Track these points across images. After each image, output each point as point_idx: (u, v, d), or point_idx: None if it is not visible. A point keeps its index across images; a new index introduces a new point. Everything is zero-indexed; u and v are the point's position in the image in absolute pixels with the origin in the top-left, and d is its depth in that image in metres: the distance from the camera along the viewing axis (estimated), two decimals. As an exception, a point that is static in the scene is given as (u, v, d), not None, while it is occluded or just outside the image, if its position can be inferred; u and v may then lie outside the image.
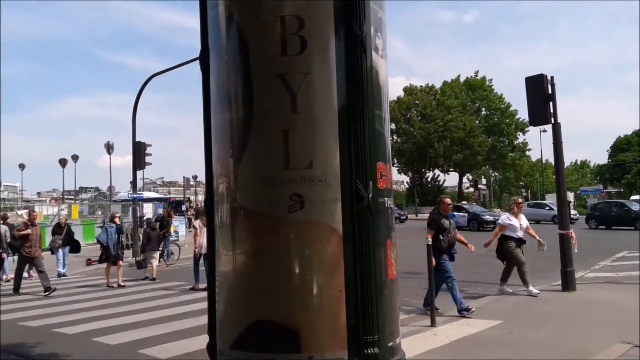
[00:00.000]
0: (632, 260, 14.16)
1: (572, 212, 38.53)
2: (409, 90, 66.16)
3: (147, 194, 50.31)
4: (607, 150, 78.20)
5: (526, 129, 62.30)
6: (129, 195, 26.86)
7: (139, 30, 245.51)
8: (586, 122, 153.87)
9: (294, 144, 2.56)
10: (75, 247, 16.63)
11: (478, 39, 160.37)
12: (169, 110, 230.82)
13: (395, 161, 62.79)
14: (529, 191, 78.13)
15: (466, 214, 32.59)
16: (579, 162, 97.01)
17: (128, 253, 18.84)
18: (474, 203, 47.70)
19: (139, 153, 21.30)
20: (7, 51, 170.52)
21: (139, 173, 25.76)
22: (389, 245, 2.79)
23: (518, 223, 9.90)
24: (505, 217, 10.12)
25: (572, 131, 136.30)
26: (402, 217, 43.74)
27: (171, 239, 19.32)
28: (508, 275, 9.89)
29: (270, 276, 2.56)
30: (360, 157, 2.55)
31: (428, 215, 9.36)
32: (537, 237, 10.02)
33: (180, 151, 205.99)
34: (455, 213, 31.08)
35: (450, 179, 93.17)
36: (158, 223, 19.63)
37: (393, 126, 61.88)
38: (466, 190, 72.56)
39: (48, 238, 17.33)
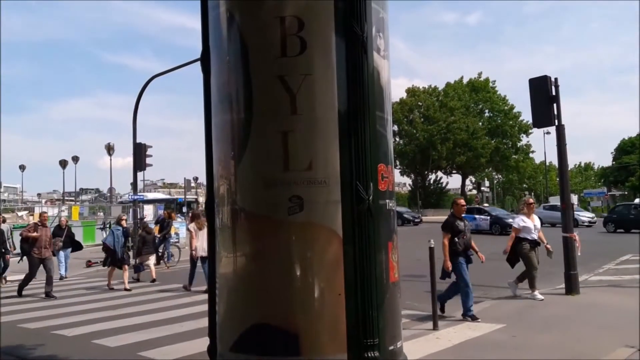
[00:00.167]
0: (636, 263, 14.09)
1: (589, 215, 38.14)
2: (411, 92, 66.12)
3: (153, 195, 50.28)
4: (612, 153, 78.21)
5: (530, 131, 62.28)
6: (130, 197, 26.86)
7: (139, 30, 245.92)
8: (590, 125, 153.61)
9: (294, 146, 2.54)
10: (76, 246, 16.58)
11: (481, 40, 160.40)
12: (169, 111, 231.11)
13: (398, 163, 62.76)
14: (533, 193, 77.93)
15: (488, 217, 30.92)
16: (582, 165, 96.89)
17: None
18: (486, 205, 46.71)
19: (140, 154, 21.31)
20: (7, 52, 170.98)
21: (140, 174, 25.78)
22: (390, 247, 2.76)
23: (532, 224, 9.78)
24: (519, 220, 9.92)
25: (576, 133, 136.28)
26: (416, 220, 42.76)
27: (172, 241, 19.27)
28: (524, 277, 9.70)
29: (270, 278, 2.54)
30: (360, 158, 2.53)
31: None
32: (546, 244, 9.88)
33: (181, 152, 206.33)
34: (476, 216, 30.40)
35: (453, 181, 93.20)
36: (158, 225, 19.65)
37: (395, 128, 61.86)
38: (469, 193, 72.46)
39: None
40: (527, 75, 14.10)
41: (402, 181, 76.17)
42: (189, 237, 13.26)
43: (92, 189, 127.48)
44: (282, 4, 2.60)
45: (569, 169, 12.27)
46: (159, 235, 18.75)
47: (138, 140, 21.39)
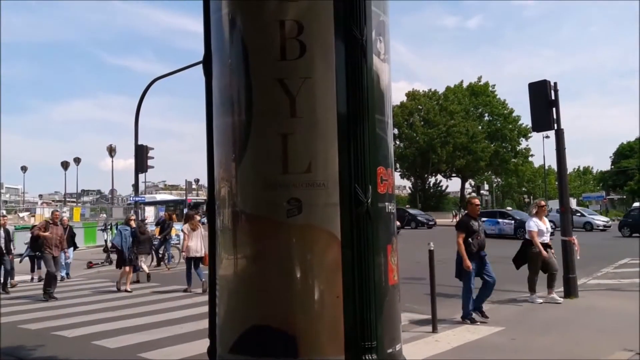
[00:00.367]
0: (634, 267, 14.09)
1: (604, 219, 37.59)
2: (411, 95, 66.15)
3: (162, 196, 50.18)
4: (610, 157, 78.20)
5: (529, 134, 62.27)
6: (132, 198, 26.85)
7: (141, 32, 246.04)
8: (589, 129, 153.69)
9: (293, 148, 2.55)
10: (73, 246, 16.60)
11: (482, 44, 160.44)
12: (171, 113, 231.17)
13: (398, 166, 62.75)
14: (532, 197, 77.95)
15: (512, 221, 28.78)
16: (581, 169, 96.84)
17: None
18: (509, 208, 45.60)
19: (141, 156, 21.32)
20: (9, 52, 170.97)
21: (141, 176, 25.78)
22: (390, 250, 2.77)
23: (544, 227, 9.74)
24: (533, 224, 9.74)
25: (575, 137, 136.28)
26: (430, 223, 41.57)
27: (172, 242, 19.27)
28: (552, 282, 9.59)
29: (269, 280, 2.55)
30: (359, 161, 2.54)
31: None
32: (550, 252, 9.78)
33: (182, 155, 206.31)
34: (499, 220, 29.37)
35: (453, 185, 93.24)
36: (159, 227, 19.65)
37: (396, 131, 61.82)
38: (468, 196, 72.43)
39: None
40: (526, 79, 14.20)
41: (402, 184, 76.10)
42: (182, 238, 13.24)
43: (94, 191, 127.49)
44: (282, 7, 2.61)
45: (568, 172, 12.30)
46: (159, 237, 18.77)
47: (140, 142, 21.42)
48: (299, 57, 2.58)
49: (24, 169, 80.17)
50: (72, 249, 16.16)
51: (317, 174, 2.53)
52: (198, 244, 12.53)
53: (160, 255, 18.19)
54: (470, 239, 8.16)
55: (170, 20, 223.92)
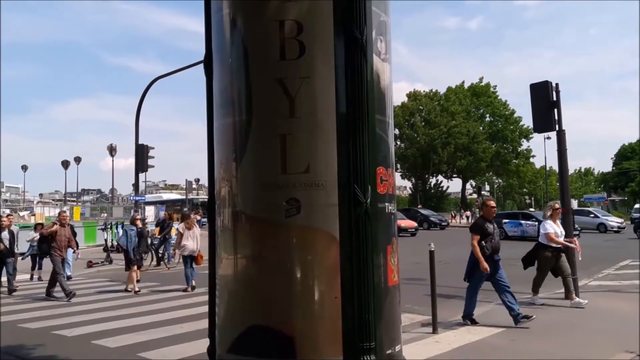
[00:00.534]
0: (635, 269, 14.08)
1: (619, 220, 36.60)
2: (413, 96, 66.18)
3: (168, 195, 50.24)
4: (612, 158, 78.20)
5: (530, 135, 62.27)
6: (132, 198, 26.85)
7: (142, 33, 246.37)
8: (591, 130, 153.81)
9: (292, 149, 2.54)
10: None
11: (483, 45, 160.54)
12: (172, 113, 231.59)
13: (399, 166, 62.75)
14: (533, 198, 77.99)
15: (536, 223, 26.45)
16: (583, 170, 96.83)
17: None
18: (532, 209, 44.86)
19: (142, 156, 21.37)
20: (11, 52, 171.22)
21: (141, 176, 25.80)
22: (389, 251, 2.76)
23: (558, 230, 9.63)
24: (549, 226, 9.60)
25: (576, 139, 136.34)
26: (443, 223, 41.03)
27: (172, 242, 19.26)
28: (569, 286, 9.44)
29: (268, 281, 2.55)
30: (359, 161, 2.52)
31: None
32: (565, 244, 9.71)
33: (183, 154, 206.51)
34: (522, 222, 28.58)
35: (454, 185, 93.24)
36: (159, 227, 19.65)
37: (397, 132, 61.87)
38: (469, 197, 72.46)
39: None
40: (527, 80, 14.21)
41: (402, 184, 76.11)
42: (177, 237, 13.23)
43: (94, 190, 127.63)
44: (282, 7, 2.60)
45: (569, 174, 12.29)
46: (159, 236, 18.77)
47: (140, 142, 21.44)
48: (299, 57, 2.56)
49: (24, 168, 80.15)
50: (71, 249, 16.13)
51: (316, 174, 2.52)
52: (192, 244, 12.61)
53: (160, 255, 18.19)
54: (484, 242, 8.00)
55: (172, 21, 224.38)
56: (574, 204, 41.46)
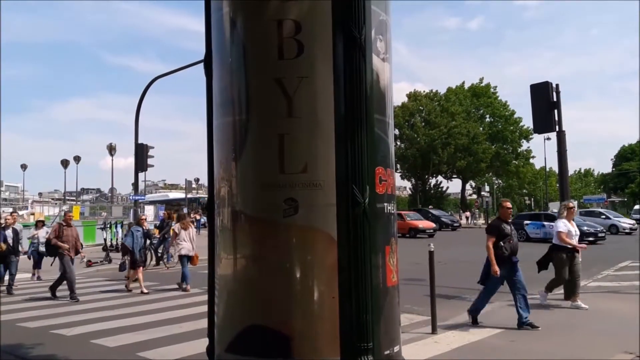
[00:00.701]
0: (635, 270, 14.07)
1: (630, 221, 35.88)
2: (413, 96, 66.11)
3: (174, 194, 50.15)
4: (611, 159, 78.22)
5: (530, 136, 62.20)
6: (131, 198, 26.83)
7: (143, 32, 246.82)
8: (591, 131, 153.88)
9: (290, 148, 2.54)
10: None
11: (483, 45, 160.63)
12: (172, 112, 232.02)
13: (399, 167, 62.69)
14: (532, 199, 77.98)
15: None
16: (582, 171, 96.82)
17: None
18: (555, 210, 43.87)
19: (141, 155, 21.36)
20: (11, 52, 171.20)
21: (141, 175, 25.80)
22: (388, 251, 2.75)
23: (573, 230, 9.34)
24: (562, 225, 9.31)
25: (576, 139, 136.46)
26: (454, 224, 40.24)
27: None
28: (574, 288, 9.31)
29: (266, 281, 2.55)
30: (357, 161, 2.51)
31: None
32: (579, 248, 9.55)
33: (183, 154, 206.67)
34: (545, 223, 27.38)
35: (453, 186, 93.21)
36: (158, 229, 19.65)
37: (396, 132, 61.77)
38: (469, 197, 72.43)
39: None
40: (528, 81, 14.22)
41: (402, 185, 76.07)
42: (172, 237, 13.22)
43: (94, 189, 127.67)
44: (281, 7, 2.60)
45: (569, 174, 12.29)
46: (158, 236, 18.76)
47: (140, 141, 21.43)
48: (297, 56, 2.56)
49: (23, 167, 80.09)
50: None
51: (314, 174, 2.52)
52: (188, 244, 12.68)
53: (159, 255, 18.18)
54: (502, 242, 7.81)
55: (173, 20, 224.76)
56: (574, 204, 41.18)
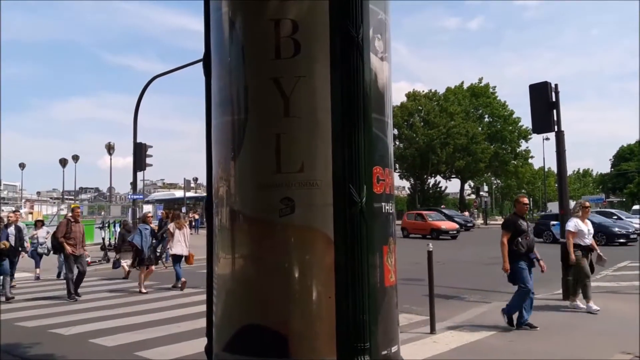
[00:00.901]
0: (634, 270, 14.09)
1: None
2: (412, 96, 66.14)
3: (180, 193, 50.06)
4: (610, 160, 78.35)
5: (529, 136, 62.28)
6: (129, 197, 26.80)
7: (143, 32, 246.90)
8: (590, 131, 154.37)
9: (286, 148, 2.54)
10: None
11: (483, 45, 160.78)
12: (171, 112, 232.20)
13: (397, 166, 62.71)
14: (531, 199, 78.04)
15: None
16: (581, 171, 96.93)
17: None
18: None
19: (140, 154, 21.35)
20: (11, 51, 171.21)
21: (140, 174, 25.78)
22: (386, 251, 2.74)
23: (586, 229, 9.15)
24: (573, 224, 9.12)
25: (575, 139, 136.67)
26: (468, 225, 38.94)
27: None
28: (577, 289, 9.23)
29: (263, 280, 2.54)
30: (354, 161, 2.50)
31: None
32: (598, 251, 9.42)
33: (181, 153, 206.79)
34: None
35: (452, 186, 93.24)
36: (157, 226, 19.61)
37: (395, 132, 61.79)
38: (468, 197, 72.49)
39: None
40: (527, 81, 14.23)
41: (401, 185, 76.11)
42: (167, 237, 13.22)
43: (92, 188, 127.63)
44: (278, 6, 2.59)
45: (568, 175, 12.29)
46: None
47: (139, 140, 21.42)
48: (294, 55, 2.55)
49: (22, 166, 79.99)
50: None
51: (311, 173, 2.51)
52: (183, 244, 12.71)
53: (157, 254, 18.15)
54: (519, 239, 7.69)
55: (173, 20, 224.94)
56: (572, 205, 40.94)
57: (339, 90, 2.52)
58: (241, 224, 2.63)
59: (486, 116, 65.87)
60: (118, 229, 21.72)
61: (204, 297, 3.15)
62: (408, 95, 66.70)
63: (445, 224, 31.84)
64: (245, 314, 2.57)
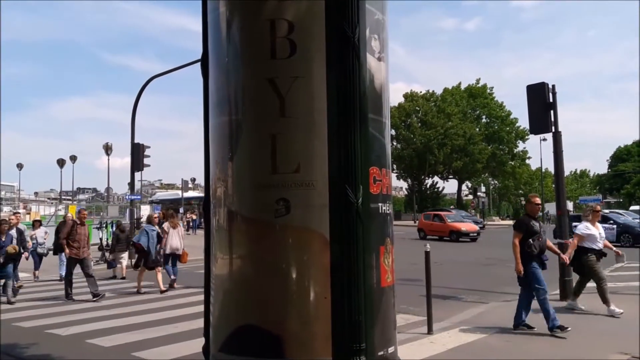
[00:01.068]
0: (631, 270, 14.09)
1: None
2: (409, 97, 66.20)
3: (187, 194, 49.95)
4: (607, 160, 78.52)
5: (526, 137, 62.42)
6: (127, 197, 26.78)
7: (142, 32, 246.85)
8: (587, 132, 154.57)
9: (282, 148, 2.54)
10: None
11: (481, 46, 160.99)
12: (169, 112, 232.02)
13: (395, 167, 62.74)
14: (529, 199, 78.09)
15: (614, 226, 24.44)
16: (578, 172, 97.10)
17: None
18: (607, 210, 41.73)
19: (138, 154, 21.30)
20: (11, 51, 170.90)
21: (137, 175, 25.74)
22: (383, 251, 2.73)
23: (597, 232, 9.00)
24: (583, 227, 9.02)
25: (573, 140, 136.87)
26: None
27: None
28: (581, 289, 9.16)
29: (260, 281, 2.54)
30: (350, 161, 2.50)
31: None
32: (614, 248, 9.40)
33: (179, 153, 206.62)
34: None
35: (449, 186, 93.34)
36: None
37: (393, 132, 61.84)
38: (465, 198, 72.57)
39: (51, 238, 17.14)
40: (525, 82, 14.18)
41: (398, 185, 76.18)
42: (163, 236, 13.20)
43: (90, 189, 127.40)
44: (275, 6, 2.59)
45: (565, 175, 12.31)
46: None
47: (136, 141, 21.38)
48: (290, 56, 2.55)
49: (19, 166, 79.88)
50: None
51: (307, 174, 2.51)
52: (177, 242, 12.70)
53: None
54: (530, 240, 7.55)
55: (172, 20, 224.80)
56: (570, 205, 41.09)
57: (334, 91, 2.52)
58: (238, 224, 2.63)
59: (484, 117, 66.02)
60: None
61: (201, 297, 3.15)
62: (405, 96, 66.77)
63: (466, 226, 30.40)
64: (242, 314, 2.56)
